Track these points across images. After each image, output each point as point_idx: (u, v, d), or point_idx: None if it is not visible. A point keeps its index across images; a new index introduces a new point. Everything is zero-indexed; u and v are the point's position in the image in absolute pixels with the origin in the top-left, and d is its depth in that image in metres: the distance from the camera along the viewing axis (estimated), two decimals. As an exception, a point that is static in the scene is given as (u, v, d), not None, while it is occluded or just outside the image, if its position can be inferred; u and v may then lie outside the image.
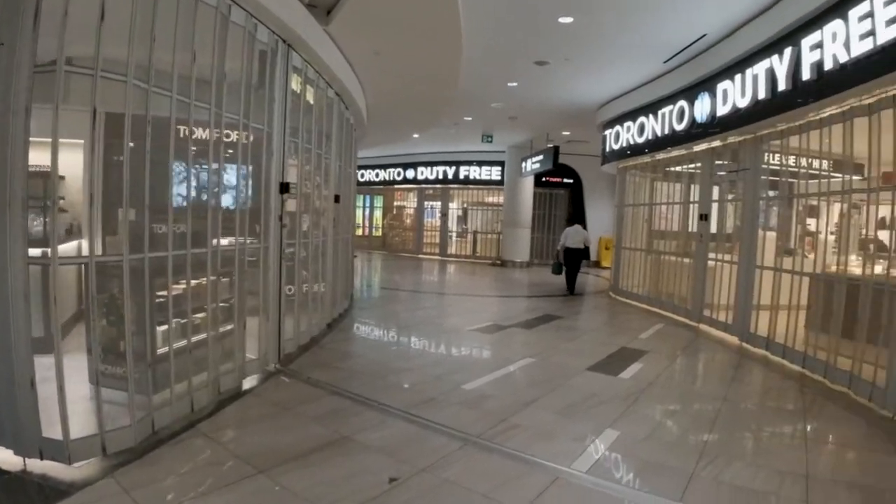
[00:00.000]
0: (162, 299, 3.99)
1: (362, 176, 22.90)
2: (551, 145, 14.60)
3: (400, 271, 16.81)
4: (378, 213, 25.20)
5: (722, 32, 7.34)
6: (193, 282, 4.20)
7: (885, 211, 5.54)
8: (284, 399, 4.69)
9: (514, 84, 10.58)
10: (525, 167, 16.92)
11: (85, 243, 3.54)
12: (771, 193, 7.74)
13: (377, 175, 23.24)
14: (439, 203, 21.99)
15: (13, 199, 3.02)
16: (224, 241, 4.65)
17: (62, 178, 5.51)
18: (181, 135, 4.01)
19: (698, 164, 9.26)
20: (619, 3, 6.60)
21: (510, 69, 9.67)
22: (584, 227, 13.05)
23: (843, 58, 5.16)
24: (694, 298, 9.06)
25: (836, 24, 5.24)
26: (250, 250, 5.11)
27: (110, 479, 3.11)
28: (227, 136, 4.61)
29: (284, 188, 5.56)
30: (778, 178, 7.40)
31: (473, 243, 21.44)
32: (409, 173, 22.09)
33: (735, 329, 7.76)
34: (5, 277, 3.05)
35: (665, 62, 8.71)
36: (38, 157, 3.14)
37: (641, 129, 10.38)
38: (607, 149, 12.26)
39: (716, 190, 8.94)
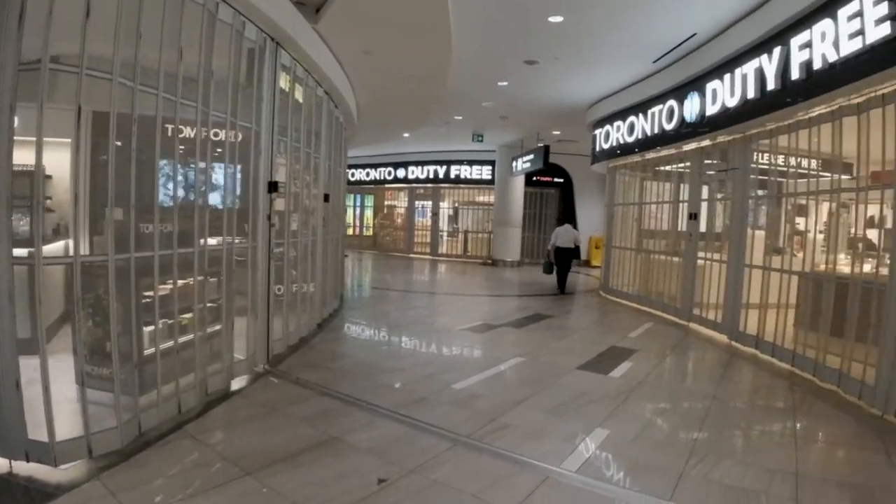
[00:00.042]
0: (149, 299, 3.95)
1: (353, 175, 22.84)
2: (542, 145, 14.61)
3: (391, 271, 16.77)
4: (369, 213, 25.13)
5: (711, 32, 7.36)
6: (181, 282, 4.16)
7: (873, 210, 5.57)
8: (273, 400, 4.65)
9: (505, 83, 10.58)
10: (515, 166, 16.93)
11: (71, 243, 3.51)
12: (760, 192, 7.77)
13: (368, 174, 23.19)
14: (430, 202, 21.96)
15: (-2, 198, 2.98)
16: (212, 241, 4.61)
17: (49, 177, 5.44)
18: (168, 133, 3.96)
19: (688, 164, 9.29)
20: (608, 1, 6.61)
21: (500, 68, 9.66)
22: (575, 227, 13.11)
23: (833, 57, 5.18)
24: (683, 297, 9.09)
25: (825, 24, 5.26)
26: (238, 250, 5.06)
27: (96, 482, 3.07)
28: (215, 134, 4.57)
29: (273, 187, 5.52)
30: (767, 178, 7.44)
31: (464, 243, 21.44)
32: (400, 172, 22.06)
33: (724, 328, 7.79)
34: (-9, 277, 3.00)
35: (655, 62, 8.73)
36: (25, 157, 3.09)
37: (631, 129, 10.40)
38: (597, 148, 12.28)
39: (705, 189, 8.98)
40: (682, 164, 9.62)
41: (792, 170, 6.78)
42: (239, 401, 4.62)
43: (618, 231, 11.89)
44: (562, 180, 20.01)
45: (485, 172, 20.13)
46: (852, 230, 5.86)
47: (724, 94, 7.34)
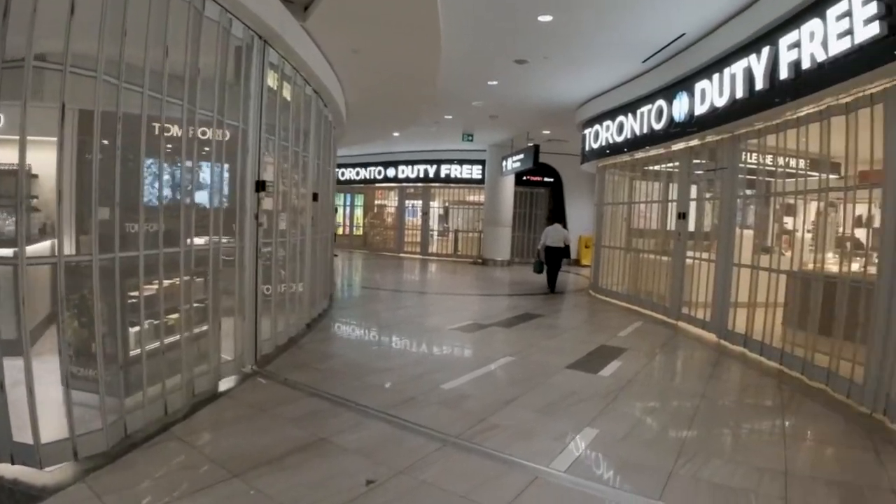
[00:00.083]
0: (134, 300, 3.90)
1: (342, 174, 22.78)
2: (531, 144, 14.62)
3: (381, 270, 16.73)
4: (359, 212, 25.06)
5: (700, 32, 7.39)
6: (167, 282, 4.12)
7: (861, 209, 5.60)
8: (261, 401, 4.61)
9: (495, 83, 10.57)
10: (506, 166, 16.94)
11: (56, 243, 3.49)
12: (748, 192, 7.81)
13: (358, 173, 23.12)
14: (420, 202, 21.92)
15: (-19, 197, 2.93)
16: (199, 241, 4.57)
17: (35, 176, 5.40)
18: (154, 132, 3.91)
19: (677, 163, 9.32)
20: (597, 1, 6.61)
21: (490, 68, 9.65)
22: (565, 226, 13.15)
23: (821, 57, 5.20)
24: (672, 296, 9.12)
25: (814, 24, 5.28)
26: (225, 250, 5.02)
27: (82, 484, 3.04)
28: (203, 133, 4.53)
29: (260, 186, 5.47)
30: (755, 177, 7.48)
31: (455, 242, 21.43)
32: (390, 172, 22.01)
33: (713, 326, 7.82)
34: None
35: (644, 61, 8.75)
36: (10, 155, 3.05)
37: (620, 129, 10.43)
38: (587, 148, 12.31)
39: (694, 189, 9.01)
40: (671, 164, 9.65)
41: (780, 169, 6.81)
42: (226, 402, 4.58)
43: (607, 230, 11.92)
44: (552, 180, 20.06)
45: (475, 172, 20.13)
46: (840, 229, 5.89)
47: (712, 93, 7.36)
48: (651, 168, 10.45)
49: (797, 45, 5.56)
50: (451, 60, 8.63)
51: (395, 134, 16.68)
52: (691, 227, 8.89)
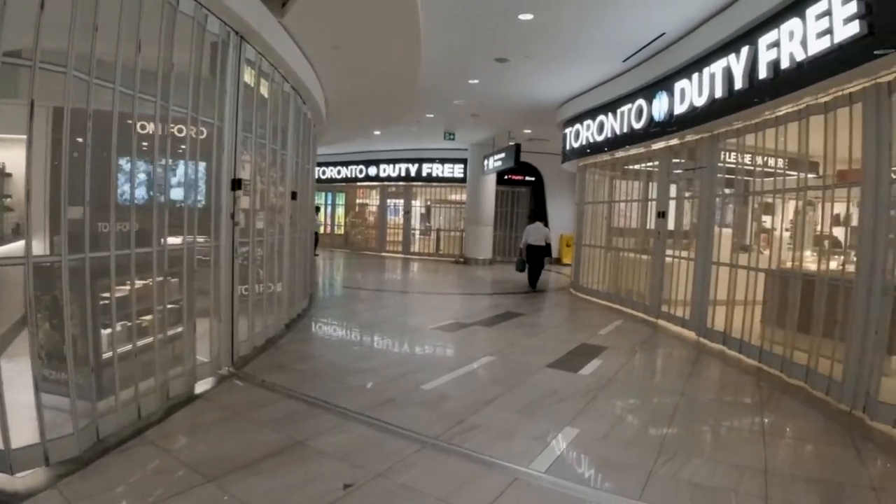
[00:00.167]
0: (106, 301, 3.81)
1: (323, 173, 22.62)
2: (513, 143, 14.62)
3: (362, 269, 16.63)
4: (340, 211, 24.90)
5: (680, 31, 7.41)
6: (140, 283, 4.03)
7: (839, 208, 5.65)
8: (237, 403, 4.53)
9: (476, 81, 10.54)
10: (487, 165, 16.93)
11: (33, 242, 3.39)
12: (727, 191, 7.86)
13: (339, 172, 22.95)
14: (402, 201, 21.84)
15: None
16: (175, 240, 4.48)
17: (9, 175, 5.26)
18: (127, 129, 3.82)
19: (656, 163, 9.37)
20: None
21: (471, 66, 9.62)
22: (546, 225, 13.18)
23: (800, 56, 5.22)
24: (652, 294, 9.17)
25: (793, 23, 5.30)
26: (201, 249, 4.93)
27: (54, 490, 2.97)
28: (176, 129, 4.44)
29: (236, 184, 5.38)
30: (734, 176, 7.53)
31: (436, 241, 21.38)
32: (372, 170, 21.87)
33: (692, 324, 7.87)
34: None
35: (624, 61, 8.77)
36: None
37: (601, 128, 10.45)
38: (567, 147, 12.33)
39: (673, 188, 9.05)
40: (650, 163, 9.70)
41: (759, 168, 6.86)
42: (202, 405, 4.49)
43: (588, 229, 11.96)
44: (533, 179, 20.12)
45: (457, 171, 20.10)
46: (818, 228, 5.95)
47: (692, 93, 7.40)
48: (631, 167, 10.49)
49: (776, 44, 5.59)
50: (431, 58, 8.58)
51: (377, 132, 16.59)
52: (671, 225, 8.93)
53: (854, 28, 4.50)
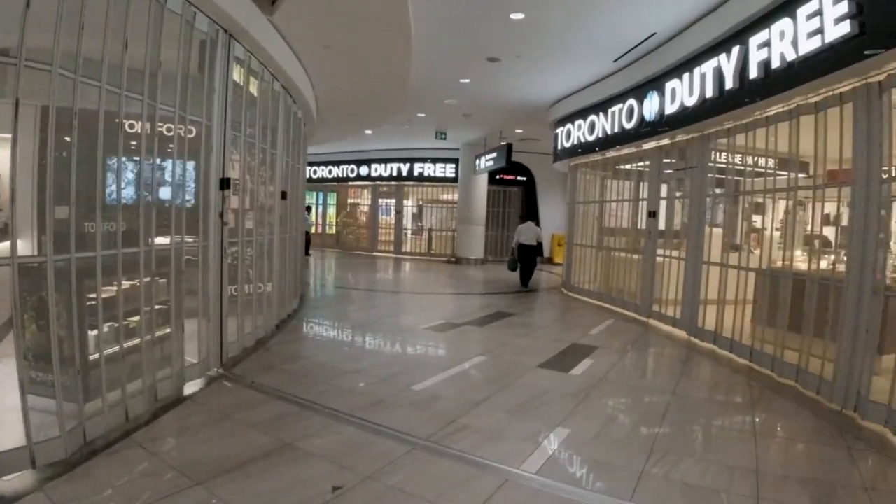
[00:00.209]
0: (94, 302, 3.76)
1: (314, 172, 22.53)
2: (504, 143, 14.60)
3: (354, 269, 16.59)
4: (331, 211, 24.82)
5: (671, 31, 7.42)
6: (128, 283, 3.98)
7: (830, 208, 5.66)
8: (226, 405, 4.49)
9: (467, 81, 10.52)
10: (479, 164, 16.91)
11: (19, 242, 3.34)
12: (718, 191, 7.87)
13: (330, 171, 22.86)
14: (394, 200, 21.80)
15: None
16: (164, 240, 4.44)
17: (-3, 175, 5.17)
18: (115, 128, 3.78)
19: (647, 162, 9.39)
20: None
21: (462, 65, 9.60)
22: (538, 224, 13.23)
23: (791, 56, 5.23)
24: (643, 294, 9.19)
25: (784, 23, 5.31)
26: (189, 249, 4.88)
27: (40, 493, 2.93)
28: (165, 129, 4.39)
29: (225, 184, 5.33)
30: (724, 176, 7.55)
31: (428, 241, 21.35)
32: (363, 170, 21.81)
33: (683, 324, 7.88)
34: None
35: (615, 61, 8.78)
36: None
37: (592, 128, 10.46)
38: (559, 147, 12.33)
39: (664, 187, 9.06)
40: (641, 163, 9.72)
41: (749, 168, 6.87)
42: (190, 407, 4.45)
43: (579, 229, 11.97)
44: (524, 178, 20.13)
45: (448, 170, 20.08)
46: (808, 227, 5.96)
47: (682, 93, 7.41)
48: (622, 167, 10.51)
49: (767, 44, 5.59)
50: (423, 58, 8.55)
51: (368, 132, 16.54)
52: (661, 225, 8.94)
53: (845, 28, 4.51)
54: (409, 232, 21.91)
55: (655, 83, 8.18)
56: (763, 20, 5.68)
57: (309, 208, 20.40)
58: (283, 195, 7.59)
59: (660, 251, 8.84)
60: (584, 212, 11.85)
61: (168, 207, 4.57)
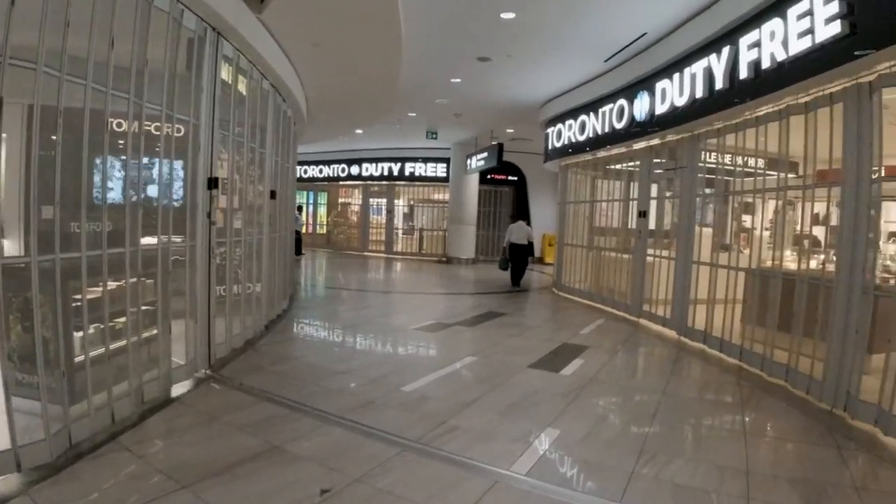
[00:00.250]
0: (79, 303, 3.71)
1: (305, 172, 22.42)
2: (495, 143, 14.60)
3: (344, 269, 16.53)
4: (322, 210, 24.73)
5: (661, 31, 7.43)
6: (114, 284, 3.93)
7: (819, 207, 5.68)
8: (214, 407, 4.44)
9: (458, 80, 10.48)
10: (470, 164, 16.89)
11: (6, 242, 3.30)
12: (707, 191, 7.89)
13: (321, 171, 22.76)
14: (385, 200, 21.74)
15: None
16: (151, 240, 4.39)
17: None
18: (100, 127, 3.72)
19: (637, 162, 9.40)
20: (560, -1, 6.59)
21: (453, 65, 9.57)
22: (529, 224, 13.26)
23: (781, 56, 5.23)
24: (633, 294, 9.20)
25: (774, 23, 5.31)
26: (177, 249, 4.83)
27: (25, 497, 2.89)
28: (153, 127, 4.35)
29: (213, 183, 5.27)
30: (714, 176, 7.57)
31: (419, 240, 21.32)
32: (354, 169, 21.74)
33: (673, 323, 7.90)
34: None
35: (606, 61, 8.77)
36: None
37: (583, 128, 10.46)
38: (550, 146, 12.34)
39: (654, 187, 9.09)
40: (632, 163, 9.73)
41: (739, 168, 6.89)
42: (177, 408, 4.40)
43: (570, 228, 11.98)
44: (516, 178, 20.13)
45: (439, 170, 20.05)
46: (798, 227, 5.98)
47: (673, 93, 7.41)
48: (613, 167, 10.52)
49: (757, 44, 5.60)
50: (413, 57, 8.52)
51: (359, 131, 16.48)
52: (652, 225, 8.96)
53: (835, 28, 4.51)
54: (401, 232, 21.86)
55: (646, 83, 8.19)
56: (753, 20, 5.68)
57: (300, 208, 20.32)
58: (273, 195, 7.53)
59: (650, 251, 8.85)
60: (574, 212, 11.87)
61: (155, 207, 4.52)
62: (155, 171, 4.52)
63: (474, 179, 18.66)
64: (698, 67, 6.74)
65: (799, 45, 4.97)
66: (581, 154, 10.80)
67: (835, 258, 5.05)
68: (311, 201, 24.42)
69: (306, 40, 7.50)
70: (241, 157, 6.21)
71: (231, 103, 5.76)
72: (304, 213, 22.52)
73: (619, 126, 9.07)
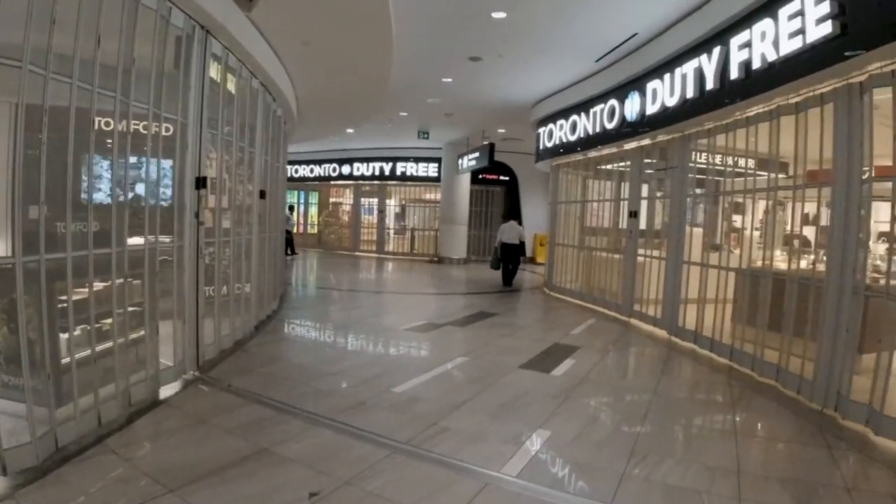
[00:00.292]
0: (65, 304, 3.66)
1: (296, 171, 22.33)
2: (487, 142, 14.61)
3: (335, 269, 16.48)
4: (313, 210, 24.64)
5: (652, 32, 7.43)
6: (101, 285, 3.87)
7: (809, 208, 5.69)
8: (202, 409, 4.39)
9: (449, 80, 10.46)
10: (461, 164, 16.89)
11: None
12: (698, 191, 7.91)
13: (312, 171, 22.67)
14: (376, 200, 21.69)
15: None
16: (138, 240, 4.34)
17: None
18: (86, 126, 3.68)
19: (628, 163, 9.41)
20: (551, -1, 6.58)
21: (444, 64, 9.55)
22: (520, 224, 13.27)
23: (772, 56, 5.23)
24: (624, 293, 9.21)
25: (765, 24, 5.31)
26: (164, 250, 4.77)
27: (11, 501, 2.85)
28: (142, 126, 4.29)
29: (201, 183, 5.22)
30: (705, 176, 7.59)
31: (411, 240, 21.30)
32: (345, 169, 21.66)
33: (664, 323, 7.91)
34: None
35: (597, 61, 8.78)
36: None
37: (574, 128, 10.47)
38: (541, 146, 12.34)
39: (645, 187, 9.11)
40: (622, 163, 9.75)
41: (729, 169, 6.91)
42: (165, 411, 4.35)
43: (561, 228, 11.99)
44: (507, 178, 20.15)
45: (431, 170, 20.03)
46: (788, 227, 5.99)
47: (663, 93, 7.42)
48: (604, 167, 10.54)
49: (748, 44, 5.60)
50: (404, 56, 8.49)
51: (350, 130, 16.42)
52: (642, 225, 8.98)
53: (827, 28, 4.51)
54: (392, 231, 21.83)
55: (637, 83, 8.20)
56: (744, 21, 5.69)
57: (291, 208, 20.23)
58: (262, 194, 7.48)
59: (641, 251, 8.87)
60: (566, 211, 11.88)
61: (142, 207, 4.47)
62: (142, 171, 4.46)
63: (466, 179, 18.66)
64: (689, 68, 6.75)
65: (790, 46, 4.98)
66: (572, 154, 10.80)
67: (825, 258, 5.06)
68: (302, 201, 24.32)
69: (296, 39, 7.46)
70: (231, 157, 6.16)
71: (220, 102, 5.70)
72: (295, 213, 22.43)
73: (610, 126, 9.08)
